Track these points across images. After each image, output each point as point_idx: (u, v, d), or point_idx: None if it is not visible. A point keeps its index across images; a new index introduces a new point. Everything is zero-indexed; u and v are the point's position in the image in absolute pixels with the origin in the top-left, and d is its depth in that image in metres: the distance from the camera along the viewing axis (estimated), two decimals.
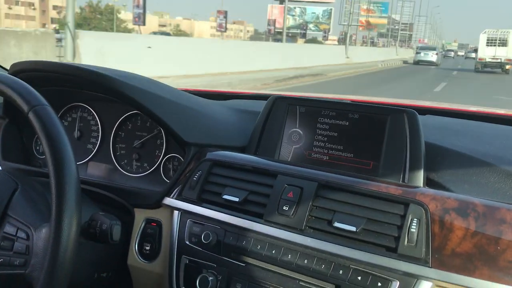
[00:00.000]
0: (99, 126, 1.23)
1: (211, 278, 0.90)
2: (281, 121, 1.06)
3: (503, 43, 25.57)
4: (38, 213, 0.83)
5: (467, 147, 0.97)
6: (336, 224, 0.82)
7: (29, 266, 0.78)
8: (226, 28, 19.93)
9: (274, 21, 37.74)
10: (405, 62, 34.95)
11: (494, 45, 25.58)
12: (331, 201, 0.85)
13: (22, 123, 1.24)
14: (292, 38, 41.29)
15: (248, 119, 1.17)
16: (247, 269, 0.88)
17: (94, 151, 1.22)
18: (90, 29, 32.64)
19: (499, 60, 25.44)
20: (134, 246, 1.03)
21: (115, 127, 1.20)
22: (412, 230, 0.77)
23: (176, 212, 0.98)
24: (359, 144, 0.98)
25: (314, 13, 43.34)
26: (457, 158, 0.93)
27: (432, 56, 32.25)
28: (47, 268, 0.71)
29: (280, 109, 1.07)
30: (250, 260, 0.88)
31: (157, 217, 1.02)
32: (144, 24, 17.07)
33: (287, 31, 40.28)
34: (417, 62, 32.69)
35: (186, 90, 1.42)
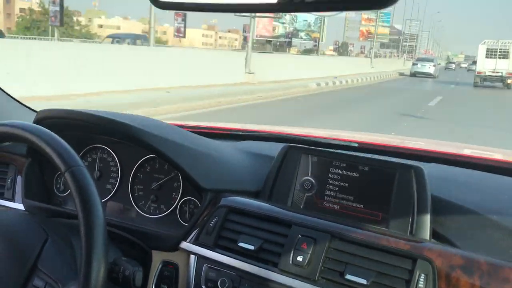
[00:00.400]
0: (119, 167, 1.28)
1: None
2: (294, 169, 1.11)
3: (504, 55, 24.29)
4: (66, 266, 0.87)
5: (472, 201, 1.01)
6: (348, 277, 0.86)
7: None
8: (184, 34, 16.76)
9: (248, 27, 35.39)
10: (401, 74, 34.33)
11: (495, 57, 24.21)
12: (343, 253, 0.90)
13: (44, 162, 1.30)
14: (280, 47, 38.82)
15: (261, 162, 1.22)
16: None
17: (113, 191, 1.27)
18: (39, 34, 29.53)
19: (499, 74, 23.97)
20: (151, 287, 1.07)
21: (134, 168, 1.25)
22: (420, 285, 0.81)
23: (192, 257, 1.03)
24: (368, 195, 1.02)
25: (306, 20, 40.68)
26: (462, 213, 0.98)
27: (429, 68, 31.66)
28: None
29: (293, 158, 1.12)
30: None
31: (174, 260, 1.07)
32: (61, 24, 14.35)
33: (276, 39, 38.14)
34: (414, 74, 32.03)
35: (201, 128, 1.47)
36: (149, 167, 1.24)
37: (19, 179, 1.32)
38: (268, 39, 37.36)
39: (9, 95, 1.53)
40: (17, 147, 1.39)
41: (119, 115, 1.12)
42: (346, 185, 1.05)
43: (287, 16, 37.93)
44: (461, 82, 28.32)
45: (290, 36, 38.79)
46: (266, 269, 0.93)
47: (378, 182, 1.01)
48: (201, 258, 1.02)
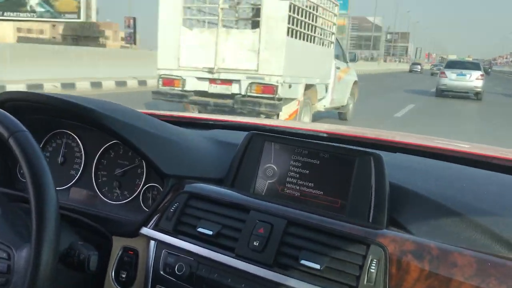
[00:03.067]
0: (83, 153, 1.26)
1: None
2: (257, 156, 1.11)
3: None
4: (18, 234, 0.86)
5: (430, 189, 1.02)
6: (302, 261, 0.86)
7: (11, 284, 0.81)
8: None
9: None
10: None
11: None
12: (299, 238, 0.90)
13: (6, 147, 1.27)
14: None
15: (227, 150, 1.22)
16: None
17: (77, 177, 1.26)
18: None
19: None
20: (111, 273, 1.07)
21: (98, 154, 1.24)
22: (371, 270, 0.82)
23: (152, 242, 1.02)
24: (328, 182, 1.03)
25: None
26: (419, 200, 0.99)
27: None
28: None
29: (256, 145, 1.12)
30: None
31: (134, 246, 1.06)
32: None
33: None
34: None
35: (170, 117, 1.47)
36: (113, 153, 1.23)
37: None
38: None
39: None
40: None
41: (84, 99, 1.10)
42: (307, 172, 1.05)
43: None
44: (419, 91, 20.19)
45: None
46: (223, 254, 0.93)
47: (338, 169, 1.02)
48: (160, 244, 1.01)
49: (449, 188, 1.06)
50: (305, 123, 1.58)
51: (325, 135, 1.25)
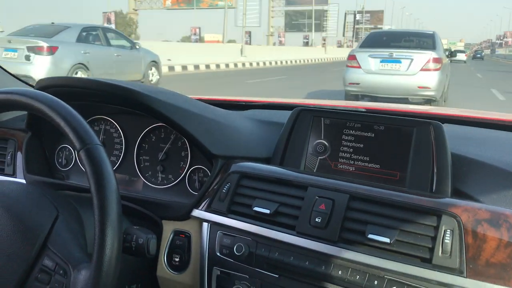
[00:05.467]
0: (122, 138, 1.24)
1: None
2: (305, 132, 1.08)
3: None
4: (77, 247, 0.83)
5: (492, 157, 0.99)
6: (370, 236, 0.83)
7: None
8: None
9: None
10: None
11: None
12: (364, 212, 0.87)
13: (45, 135, 1.25)
14: None
15: (270, 129, 1.19)
16: (280, 280, 0.90)
17: (118, 163, 1.24)
18: None
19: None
20: (163, 257, 1.04)
21: (139, 139, 1.21)
22: (446, 241, 0.79)
23: (205, 224, 1.00)
24: (385, 155, 1.00)
25: None
26: (483, 169, 0.95)
27: None
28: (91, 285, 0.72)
29: (304, 121, 1.09)
30: (283, 272, 0.90)
31: (185, 229, 1.04)
32: None
33: None
34: None
35: (203, 100, 1.44)
36: (155, 137, 1.21)
37: (19, 154, 1.28)
38: None
39: (3, 69, 1.47)
40: (16, 121, 1.34)
41: (129, 83, 1.07)
42: (361, 146, 1.02)
43: None
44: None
45: None
46: (284, 232, 0.91)
47: (394, 141, 0.99)
48: (214, 225, 0.99)
49: (509, 154, 1.02)
50: (352, 102, 1.54)
51: (364, 110, 1.22)
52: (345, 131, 1.04)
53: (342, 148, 1.04)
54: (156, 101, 1.02)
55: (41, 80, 1.10)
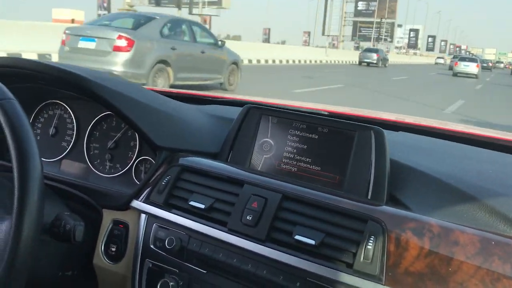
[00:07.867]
0: (74, 124, 1.23)
1: (172, 283, 0.91)
2: (253, 130, 1.06)
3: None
4: (2, 205, 0.83)
5: (432, 167, 0.97)
6: (297, 237, 0.82)
7: None
8: None
9: None
10: None
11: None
12: (294, 213, 0.86)
13: None
14: None
15: (223, 125, 1.17)
16: (208, 276, 0.89)
17: (68, 149, 1.23)
18: None
19: None
20: (101, 246, 1.04)
21: (90, 126, 1.21)
22: (368, 247, 0.77)
23: (143, 216, 0.99)
24: (326, 158, 0.98)
25: None
26: (420, 178, 0.94)
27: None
28: (6, 261, 0.71)
29: (253, 119, 1.07)
30: (211, 268, 0.89)
31: (124, 219, 1.03)
32: None
33: None
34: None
35: (167, 92, 1.42)
36: (106, 125, 1.20)
37: None
38: None
39: None
40: None
41: (75, 67, 1.06)
42: (305, 147, 1.01)
43: None
44: None
45: None
46: (216, 228, 0.90)
47: (336, 144, 0.98)
48: (151, 217, 0.98)
49: (451, 166, 1.01)
50: (303, 102, 1.49)
51: (325, 113, 1.20)
52: (290, 131, 1.03)
53: (286, 148, 1.02)
54: (100, 87, 1.01)
55: None
